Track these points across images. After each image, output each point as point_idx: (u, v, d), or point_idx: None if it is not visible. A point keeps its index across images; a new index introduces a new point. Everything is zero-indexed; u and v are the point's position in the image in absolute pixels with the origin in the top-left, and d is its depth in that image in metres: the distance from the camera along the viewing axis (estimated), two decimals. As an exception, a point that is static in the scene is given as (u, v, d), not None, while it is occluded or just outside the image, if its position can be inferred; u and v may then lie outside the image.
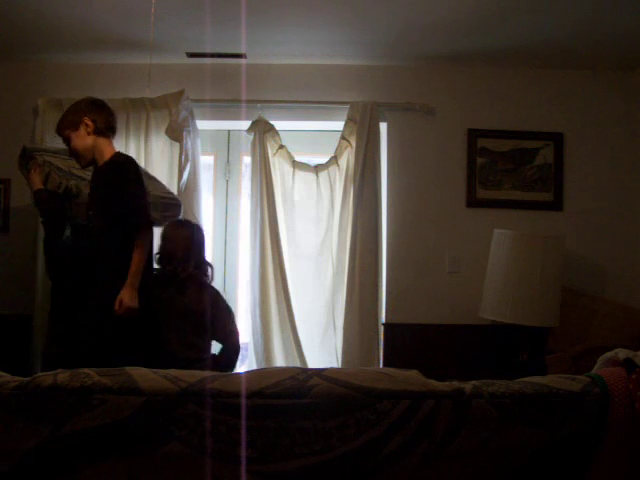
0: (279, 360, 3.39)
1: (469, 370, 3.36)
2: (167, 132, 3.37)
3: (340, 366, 3.37)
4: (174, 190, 3.30)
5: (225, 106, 3.49)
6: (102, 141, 2.61)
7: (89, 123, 2.59)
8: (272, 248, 3.44)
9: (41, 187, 2.82)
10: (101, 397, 1.23)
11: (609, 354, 1.43)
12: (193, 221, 3.16)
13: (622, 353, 1.38)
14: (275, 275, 3.43)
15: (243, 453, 1.20)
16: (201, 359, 2.83)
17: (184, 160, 3.34)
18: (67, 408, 1.23)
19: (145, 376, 1.28)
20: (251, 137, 3.52)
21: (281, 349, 3.41)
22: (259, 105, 3.52)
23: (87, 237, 2.62)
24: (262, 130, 3.49)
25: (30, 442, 1.22)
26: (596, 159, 3.61)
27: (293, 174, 3.55)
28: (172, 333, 2.80)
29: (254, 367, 3.38)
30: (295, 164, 3.55)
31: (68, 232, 2.80)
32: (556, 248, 3.10)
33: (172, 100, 3.39)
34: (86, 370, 1.30)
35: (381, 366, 3.37)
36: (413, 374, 1.34)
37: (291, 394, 1.24)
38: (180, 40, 3.29)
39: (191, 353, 2.80)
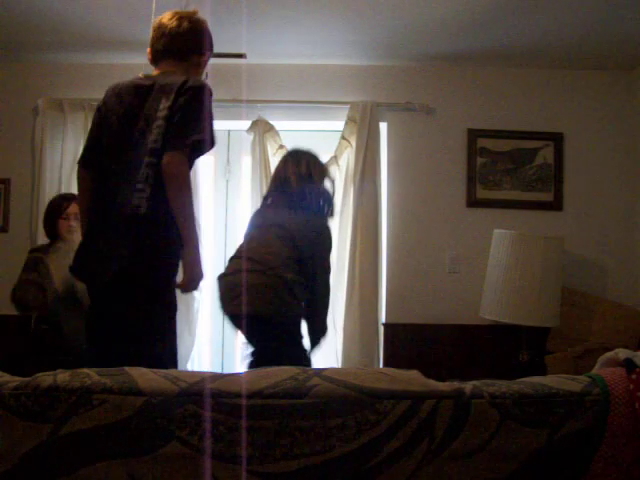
0: (279, 360, 3.38)
1: (469, 370, 3.37)
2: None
3: (340, 366, 3.37)
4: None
5: (225, 106, 3.49)
6: None
7: None
8: (272, 248, 3.43)
9: None
10: (101, 397, 1.23)
11: (609, 354, 1.43)
12: None
13: (622, 353, 1.38)
14: (275, 275, 3.42)
15: (243, 453, 1.20)
16: None
17: (184, 160, 3.34)
18: (67, 408, 1.22)
19: (145, 376, 1.28)
20: (251, 137, 3.52)
21: (281, 349, 3.40)
22: (259, 105, 3.52)
23: None
24: (262, 130, 3.49)
25: (30, 442, 1.22)
26: (596, 159, 3.61)
27: (293, 174, 3.54)
28: None
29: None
30: (295, 164, 3.54)
31: None
32: (556, 248, 3.10)
33: (172, 100, 3.38)
34: (86, 370, 1.30)
35: (381, 366, 3.37)
36: (413, 374, 1.34)
37: (291, 394, 1.24)
38: (180, 40, 3.29)
39: None
